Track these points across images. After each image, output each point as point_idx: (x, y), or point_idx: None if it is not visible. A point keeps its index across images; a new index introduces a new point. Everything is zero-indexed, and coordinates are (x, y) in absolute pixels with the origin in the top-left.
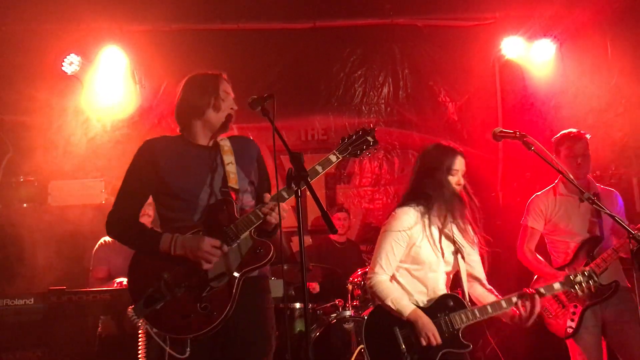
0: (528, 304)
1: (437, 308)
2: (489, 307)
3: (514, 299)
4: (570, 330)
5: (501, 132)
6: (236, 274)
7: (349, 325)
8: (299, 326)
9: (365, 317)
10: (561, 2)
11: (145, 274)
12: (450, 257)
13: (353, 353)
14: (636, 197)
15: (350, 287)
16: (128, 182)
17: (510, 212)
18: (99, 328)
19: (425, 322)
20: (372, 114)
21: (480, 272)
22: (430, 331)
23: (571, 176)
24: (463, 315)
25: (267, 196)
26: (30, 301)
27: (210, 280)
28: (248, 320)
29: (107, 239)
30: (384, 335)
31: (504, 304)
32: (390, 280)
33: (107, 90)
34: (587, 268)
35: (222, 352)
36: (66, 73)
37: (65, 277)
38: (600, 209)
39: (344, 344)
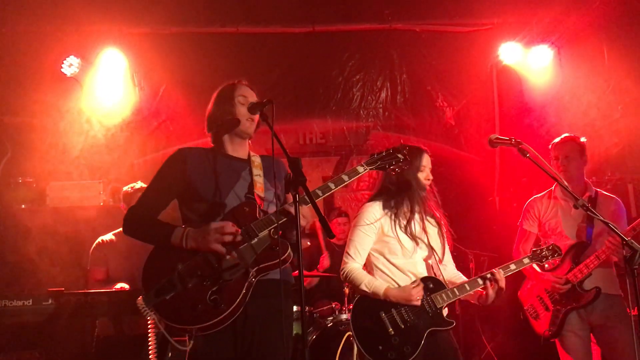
0: (495, 280)
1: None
2: (466, 285)
3: (488, 275)
4: (548, 333)
5: (497, 138)
6: (250, 270)
7: (345, 328)
8: (296, 329)
9: (352, 307)
10: (559, 9)
11: (161, 265)
12: (423, 244)
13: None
14: (632, 203)
15: (347, 290)
16: (154, 183)
17: (506, 217)
18: (96, 330)
19: (398, 293)
20: (370, 118)
21: (448, 258)
22: (410, 290)
23: (565, 183)
24: (444, 295)
25: (290, 196)
26: (29, 302)
27: (222, 272)
28: (270, 326)
29: (105, 238)
30: (371, 321)
31: (479, 281)
32: (373, 272)
33: (106, 92)
34: (551, 244)
35: (242, 354)
36: (66, 75)
37: (63, 278)
38: (594, 216)
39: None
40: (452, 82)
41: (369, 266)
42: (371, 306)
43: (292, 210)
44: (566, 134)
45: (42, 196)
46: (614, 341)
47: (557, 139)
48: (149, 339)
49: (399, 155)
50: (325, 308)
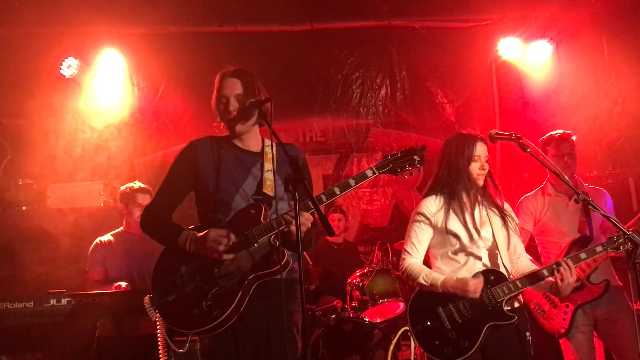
0: (564, 270)
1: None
2: (530, 277)
3: (554, 266)
4: (562, 330)
5: (497, 134)
6: (245, 277)
7: (348, 327)
8: None
9: (408, 302)
10: (558, 4)
11: (168, 267)
12: (485, 236)
13: (352, 354)
14: (633, 197)
15: (348, 288)
16: (167, 180)
17: None
18: (97, 331)
19: (455, 283)
20: (369, 115)
21: (520, 250)
22: (469, 283)
23: (566, 177)
24: (505, 288)
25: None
26: (30, 304)
27: (219, 279)
28: (277, 323)
29: (103, 239)
30: (428, 316)
31: (544, 272)
32: (433, 267)
33: (105, 92)
34: (631, 230)
35: (251, 351)
36: (64, 76)
37: (64, 280)
38: (596, 210)
39: (343, 345)
40: (452, 78)
41: (429, 262)
42: (428, 301)
43: (292, 220)
44: (561, 131)
45: (42, 198)
46: (618, 334)
47: (556, 135)
48: (158, 339)
49: (415, 157)
50: (327, 306)
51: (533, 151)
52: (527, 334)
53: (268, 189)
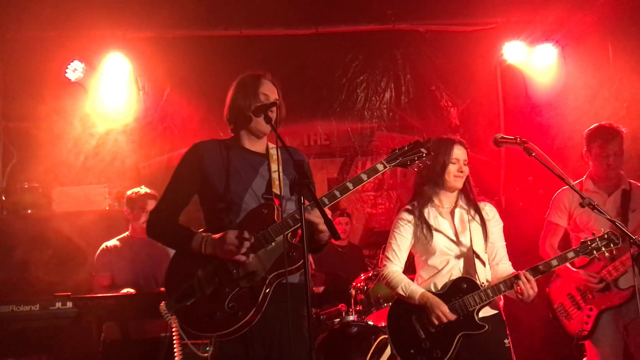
0: (523, 284)
1: (450, 293)
2: (501, 286)
3: (513, 279)
4: (583, 333)
5: (502, 138)
6: (266, 276)
7: (352, 330)
8: None
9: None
10: (563, 7)
11: (182, 271)
12: (465, 240)
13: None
14: None
15: (353, 292)
16: (172, 183)
17: (512, 217)
18: (103, 334)
19: (434, 302)
20: (374, 119)
21: (502, 255)
22: (439, 309)
23: (572, 182)
24: (476, 297)
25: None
26: (36, 307)
27: (240, 280)
28: (289, 330)
29: (109, 244)
30: (404, 324)
31: (509, 282)
32: (417, 273)
33: (110, 96)
34: (606, 232)
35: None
36: (70, 80)
37: (70, 283)
38: (602, 215)
39: (347, 349)
40: (456, 81)
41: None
42: (405, 309)
43: (308, 215)
44: (607, 125)
45: (48, 201)
46: None
47: (602, 132)
48: (174, 346)
49: (422, 150)
50: (331, 310)
51: (538, 155)
52: (506, 340)
53: (277, 189)
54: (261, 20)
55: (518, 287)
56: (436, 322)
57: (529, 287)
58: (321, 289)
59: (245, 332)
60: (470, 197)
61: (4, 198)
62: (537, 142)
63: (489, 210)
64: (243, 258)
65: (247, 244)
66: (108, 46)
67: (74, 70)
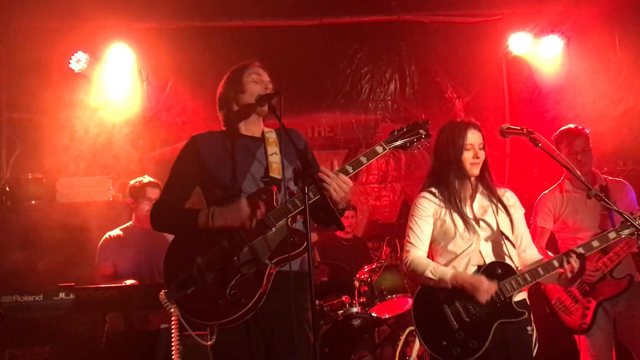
0: (575, 261)
1: (485, 277)
2: (540, 269)
3: (563, 256)
4: (584, 326)
5: (508, 128)
6: (268, 262)
7: (356, 322)
8: None
9: (412, 300)
10: None
11: (181, 259)
12: (485, 228)
13: (360, 350)
14: None
15: (357, 283)
16: (172, 175)
17: None
18: (107, 325)
19: (473, 280)
20: (378, 110)
21: (527, 241)
22: (482, 286)
23: (578, 173)
24: (513, 282)
25: (332, 164)
26: (40, 297)
27: (241, 266)
28: (289, 318)
29: (112, 234)
30: (433, 314)
31: (555, 262)
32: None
33: (114, 87)
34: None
35: (262, 347)
36: (74, 71)
37: (74, 273)
38: (609, 206)
39: (351, 340)
40: (462, 73)
41: (429, 257)
42: (433, 298)
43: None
44: (572, 126)
45: (52, 192)
46: (638, 330)
47: (567, 132)
48: (172, 334)
49: (421, 131)
50: (335, 302)
51: (545, 146)
52: (529, 327)
53: (275, 172)
54: (265, 11)
55: (569, 265)
56: (483, 302)
57: (577, 265)
58: (323, 279)
59: (246, 320)
60: (489, 183)
61: (8, 189)
62: (543, 133)
63: (510, 197)
64: (254, 223)
65: (262, 207)
66: (112, 37)
67: (78, 61)
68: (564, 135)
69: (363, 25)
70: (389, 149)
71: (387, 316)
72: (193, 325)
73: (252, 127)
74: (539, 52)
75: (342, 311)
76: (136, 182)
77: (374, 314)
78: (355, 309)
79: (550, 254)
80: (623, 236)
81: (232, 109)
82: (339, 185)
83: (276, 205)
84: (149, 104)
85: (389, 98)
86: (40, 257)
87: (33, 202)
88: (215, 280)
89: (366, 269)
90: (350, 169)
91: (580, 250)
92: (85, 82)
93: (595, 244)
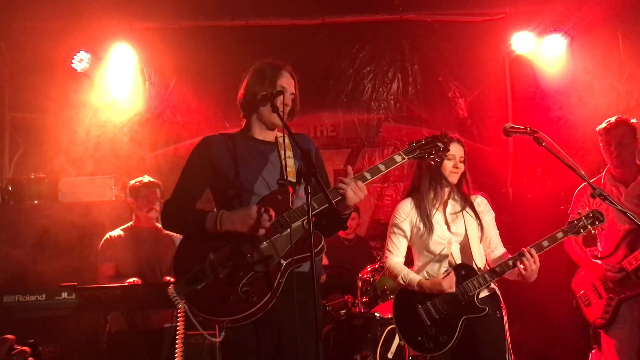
0: (527, 260)
1: (442, 278)
2: (497, 269)
3: (517, 256)
4: (601, 322)
5: (512, 127)
6: (282, 262)
7: (358, 322)
8: None
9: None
10: None
11: (192, 255)
12: (458, 230)
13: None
14: None
15: (359, 283)
16: (183, 175)
17: (520, 208)
18: (108, 324)
19: (430, 285)
20: (381, 110)
21: (494, 240)
22: (439, 284)
23: (582, 172)
24: (475, 282)
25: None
26: (42, 297)
27: (255, 264)
28: (300, 320)
29: (113, 234)
30: (409, 313)
31: (510, 262)
32: (414, 264)
33: (116, 87)
34: (591, 210)
35: (271, 348)
36: (76, 70)
37: (76, 273)
38: (613, 205)
39: (353, 340)
40: (464, 72)
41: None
42: (409, 299)
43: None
44: (616, 117)
45: (54, 192)
46: None
47: (605, 123)
48: (178, 329)
49: (439, 144)
50: (338, 302)
51: (548, 145)
52: (498, 312)
53: (291, 175)
54: (267, 11)
55: (522, 264)
56: (452, 290)
57: (532, 262)
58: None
59: (256, 320)
60: (463, 190)
61: (10, 189)
62: (546, 132)
63: (480, 202)
64: (263, 231)
65: (269, 217)
66: (114, 37)
67: (80, 60)
68: (602, 127)
69: (365, 24)
70: (407, 158)
71: (389, 316)
72: (200, 322)
73: (267, 132)
74: (542, 51)
75: (344, 311)
76: (136, 182)
77: (376, 314)
78: (357, 309)
79: (582, 247)
80: (569, 235)
81: (256, 111)
82: (354, 191)
83: (291, 206)
84: (152, 104)
85: (392, 97)
86: (42, 257)
87: (36, 201)
88: (227, 277)
89: (369, 269)
90: (368, 176)
91: (533, 250)
92: (87, 81)
93: (545, 243)
